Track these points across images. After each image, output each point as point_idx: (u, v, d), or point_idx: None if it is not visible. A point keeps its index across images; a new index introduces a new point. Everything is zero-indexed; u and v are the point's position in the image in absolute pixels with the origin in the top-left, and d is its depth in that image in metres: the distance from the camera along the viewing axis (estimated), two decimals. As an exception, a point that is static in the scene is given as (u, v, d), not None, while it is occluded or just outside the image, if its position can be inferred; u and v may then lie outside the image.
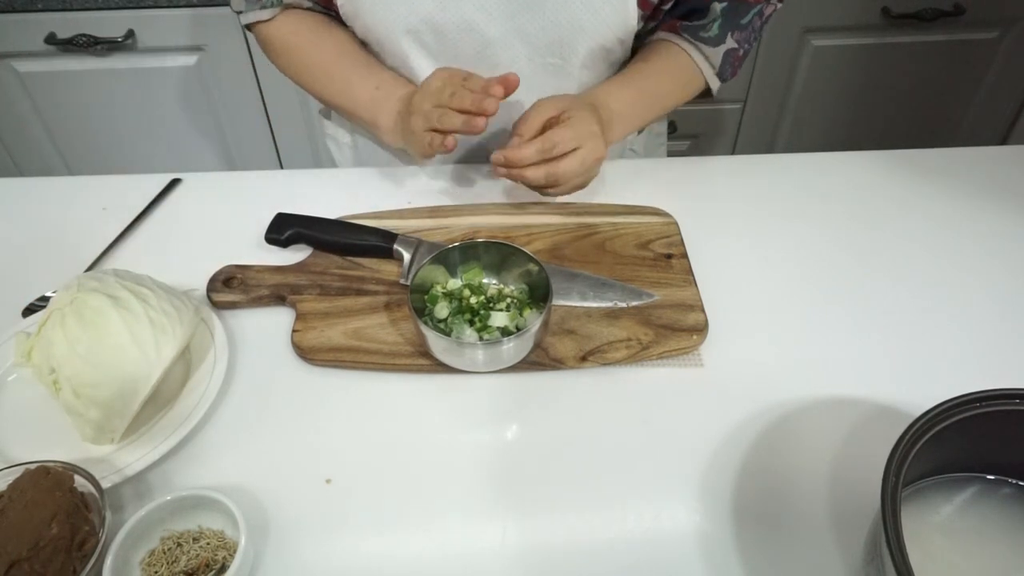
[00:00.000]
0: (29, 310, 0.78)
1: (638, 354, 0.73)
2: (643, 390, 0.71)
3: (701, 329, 0.75)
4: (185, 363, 0.72)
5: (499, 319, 0.72)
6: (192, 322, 0.70)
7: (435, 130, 0.78)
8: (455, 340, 0.70)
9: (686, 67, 0.91)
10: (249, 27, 0.93)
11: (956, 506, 0.59)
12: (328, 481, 0.65)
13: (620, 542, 0.60)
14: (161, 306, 0.68)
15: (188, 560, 0.57)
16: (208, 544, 0.58)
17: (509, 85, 0.77)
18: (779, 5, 0.91)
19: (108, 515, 0.57)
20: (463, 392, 0.72)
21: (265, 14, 0.89)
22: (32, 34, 1.46)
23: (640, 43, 0.94)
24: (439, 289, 0.76)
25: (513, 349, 0.70)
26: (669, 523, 0.62)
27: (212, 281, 0.79)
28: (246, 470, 0.65)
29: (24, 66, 1.53)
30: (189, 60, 1.55)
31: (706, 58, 0.90)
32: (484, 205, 0.90)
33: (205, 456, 0.67)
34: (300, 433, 0.68)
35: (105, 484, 0.59)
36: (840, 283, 0.82)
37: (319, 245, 0.83)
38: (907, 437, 0.52)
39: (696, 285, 0.79)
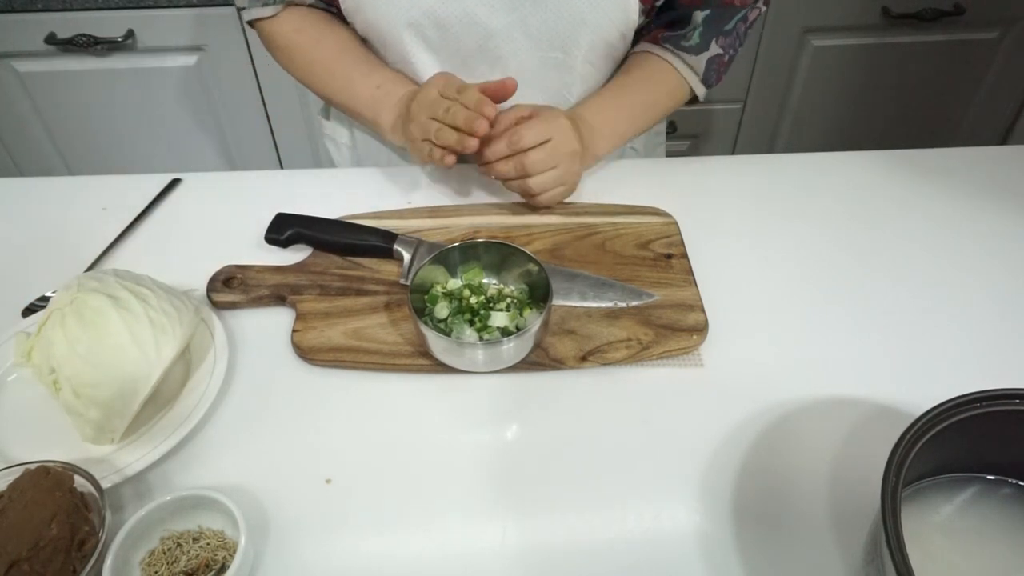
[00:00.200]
0: (29, 310, 0.78)
1: (638, 354, 0.73)
2: (643, 390, 0.71)
3: (701, 329, 0.75)
4: (185, 363, 0.72)
5: (499, 319, 0.72)
6: (192, 322, 0.70)
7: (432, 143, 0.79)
8: (455, 340, 0.70)
9: (669, 76, 0.92)
10: (252, 24, 0.93)
11: (956, 506, 0.59)
12: (328, 481, 0.65)
13: (620, 542, 0.60)
14: (161, 306, 0.68)
15: (188, 560, 0.57)
16: (208, 544, 0.58)
17: (506, 90, 0.78)
18: (764, 9, 0.92)
19: (108, 515, 0.57)
20: (463, 392, 0.72)
21: (268, 11, 0.90)
22: (32, 34, 1.46)
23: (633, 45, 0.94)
24: (439, 289, 0.76)
25: (513, 349, 0.70)
26: (669, 523, 0.62)
27: (212, 281, 0.79)
28: (246, 470, 0.65)
29: (24, 66, 1.53)
30: (189, 60, 1.55)
31: (690, 67, 0.91)
32: (484, 205, 0.90)
33: (205, 456, 0.67)
34: (300, 433, 0.68)
35: (105, 484, 0.59)
36: (840, 283, 0.82)
37: (319, 245, 0.83)
38: (907, 437, 0.52)
39: (696, 285, 0.79)
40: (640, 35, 0.93)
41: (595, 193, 0.91)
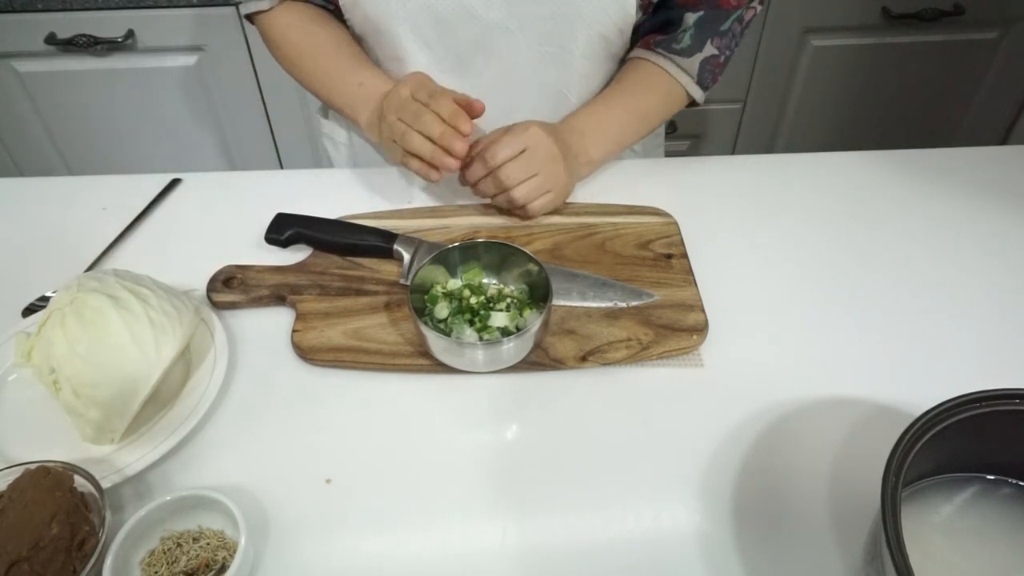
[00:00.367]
0: (29, 310, 0.78)
1: (638, 354, 0.73)
2: (643, 390, 0.71)
3: (701, 329, 0.75)
4: (185, 363, 0.72)
5: (499, 319, 0.72)
6: (192, 322, 0.70)
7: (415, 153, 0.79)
8: (455, 340, 0.70)
9: (661, 80, 0.91)
10: (249, 18, 0.93)
11: (956, 506, 0.59)
12: (328, 481, 0.65)
13: (620, 542, 0.60)
14: (161, 306, 0.68)
15: (188, 560, 0.57)
16: (208, 544, 0.58)
17: (474, 110, 0.78)
18: (759, 8, 0.91)
19: (108, 515, 0.57)
20: (463, 392, 0.72)
21: (264, 3, 0.90)
22: (32, 34, 1.46)
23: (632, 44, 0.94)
24: (439, 289, 0.76)
25: (513, 349, 0.70)
26: (669, 523, 0.62)
27: (212, 281, 0.79)
28: (246, 470, 0.65)
29: (24, 66, 1.53)
30: (189, 60, 1.55)
31: (683, 69, 0.91)
32: (484, 205, 0.90)
33: (205, 456, 0.67)
34: (300, 433, 0.68)
35: (105, 484, 0.59)
36: (840, 283, 0.82)
37: (319, 245, 0.83)
38: (907, 437, 0.52)
39: (696, 285, 0.79)
40: (637, 35, 0.93)
41: (595, 193, 0.91)
